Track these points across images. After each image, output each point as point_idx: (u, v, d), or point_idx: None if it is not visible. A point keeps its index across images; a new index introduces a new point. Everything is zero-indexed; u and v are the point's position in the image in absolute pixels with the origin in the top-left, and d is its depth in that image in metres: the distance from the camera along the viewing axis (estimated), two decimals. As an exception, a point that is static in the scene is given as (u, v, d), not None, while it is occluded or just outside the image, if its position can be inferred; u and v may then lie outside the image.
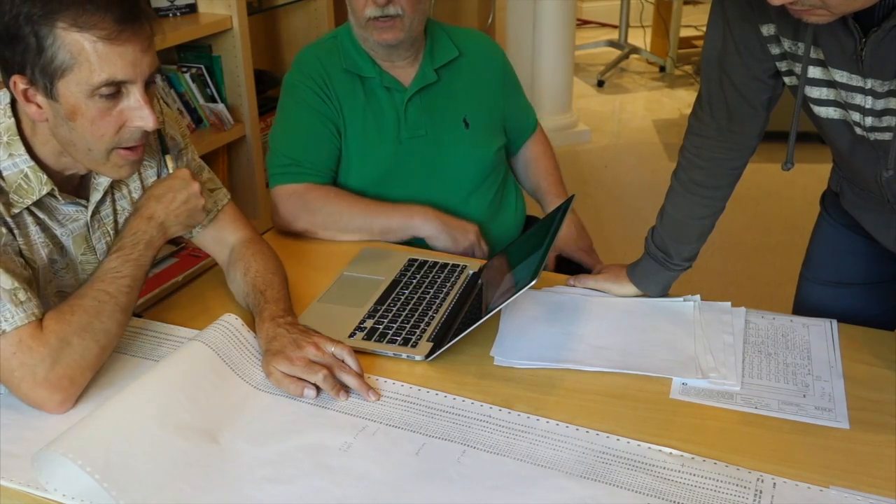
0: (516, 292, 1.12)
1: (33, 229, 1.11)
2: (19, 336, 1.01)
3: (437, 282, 1.37)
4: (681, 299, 1.32)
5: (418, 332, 1.22)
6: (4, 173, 1.07)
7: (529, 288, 1.10)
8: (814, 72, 1.04)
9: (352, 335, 1.21)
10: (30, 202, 1.09)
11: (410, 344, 1.19)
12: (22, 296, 1.02)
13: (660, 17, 5.38)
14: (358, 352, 1.17)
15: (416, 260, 1.44)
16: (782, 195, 3.48)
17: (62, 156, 1.11)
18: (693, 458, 0.97)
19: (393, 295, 1.32)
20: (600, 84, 5.12)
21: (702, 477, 0.94)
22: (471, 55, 1.67)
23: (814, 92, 1.07)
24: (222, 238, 1.35)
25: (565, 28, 3.95)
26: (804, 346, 1.19)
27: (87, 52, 1.00)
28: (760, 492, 0.92)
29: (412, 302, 1.30)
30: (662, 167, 3.86)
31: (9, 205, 1.07)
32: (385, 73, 1.58)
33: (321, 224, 1.54)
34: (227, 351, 1.12)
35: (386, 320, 1.25)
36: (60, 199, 1.13)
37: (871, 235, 1.25)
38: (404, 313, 1.27)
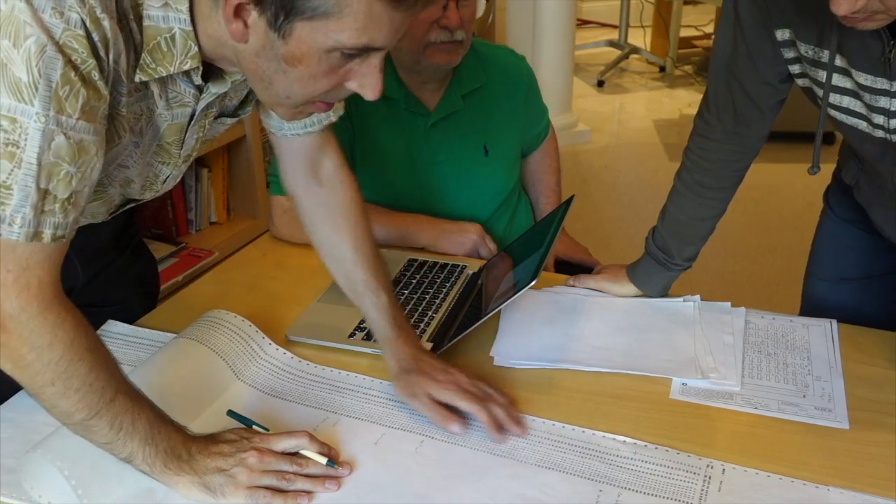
0: (516, 293, 1.12)
1: (140, 104, 0.89)
2: (24, 257, 0.77)
3: (437, 282, 1.37)
4: (681, 299, 1.32)
5: (418, 332, 1.22)
6: (145, 24, 0.81)
7: (529, 288, 1.10)
8: (836, 79, 1.04)
9: (352, 335, 1.21)
10: (163, 73, 0.85)
11: (410, 344, 1.19)
12: (60, 211, 0.78)
13: (660, 17, 5.39)
14: (358, 352, 1.17)
15: (415, 260, 1.44)
16: (782, 195, 3.48)
17: (223, 58, 0.88)
18: (689, 454, 0.97)
19: (393, 295, 1.32)
20: (600, 84, 5.13)
21: (658, 466, 0.94)
22: (497, 80, 1.62)
23: (835, 98, 1.06)
24: (320, 152, 1.11)
25: (565, 28, 3.95)
26: (804, 346, 1.19)
27: (357, 7, 0.77)
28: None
29: (412, 302, 1.30)
30: (662, 167, 3.86)
31: (137, 68, 0.83)
32: (411, 95, 1.54)
33: None
34: (226, 349, 1.12)
35: (386, 320, 1.25)
36: (196, 79, 0.90)
37: (875, 231, 1.25)
38: (403, 314, 1.27)
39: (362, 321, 1.25)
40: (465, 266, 1.43)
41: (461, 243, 1.52)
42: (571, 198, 1.35)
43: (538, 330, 1.24)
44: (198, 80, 0.90)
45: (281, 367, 1.14)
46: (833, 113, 1.08)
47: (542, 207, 1.80)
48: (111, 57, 0.79)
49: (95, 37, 0.76)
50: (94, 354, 0.83)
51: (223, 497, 0.88)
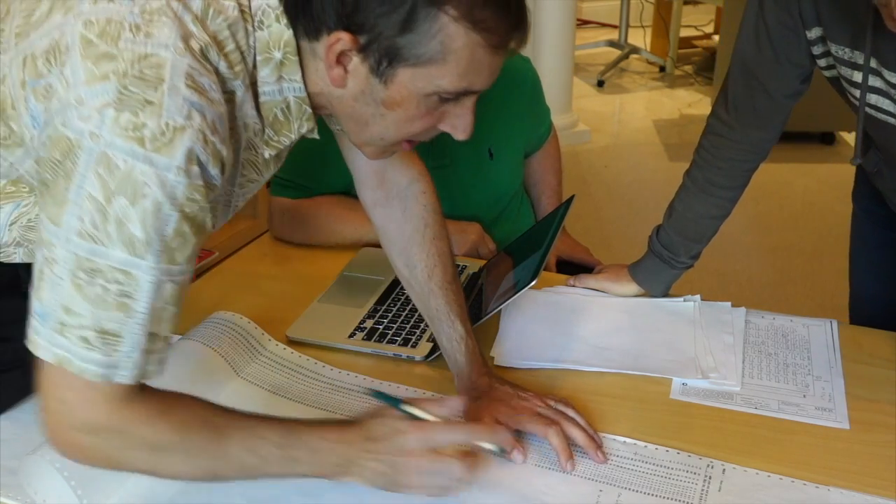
0: (516, 292, 1.12)
1: (235, 178, 0.90)
2: (105, 394, 0.75)
3: (437, 282, 1.36)
4: (681, 299, 1.32)
5: (418, 332, 1.22)
6: (262, 99, 0.82)
7: (529, 288, 1.10)
8: (869, 78, 1.04)
9: (352, 335, 1.22)
10: (286, 142, 0.87)
11: (410, 344, 1.19)
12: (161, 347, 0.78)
13: (660, 17, 5.39)
14: (358, 352, 1.17)
15: (416, 260, 1.44)
16: (782, 195, 3.48)
17: (319, 106, 0.87)
18: (689, 454, 0.97)
19: (393, 295, 1.32)
20: (600, 84, 5.13)
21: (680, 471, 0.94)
22: (502, 83, 1.57)
23: (871, 98, 1.07)
24: (386, 162, 1.07)
25: (565, 28, 3.95)
26: (804, 346, 1.19)
27: (461, 54, 0.78)
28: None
29: (412, 302, 1.30)
30: (662, 167, 3.86)
31: (264, 143, 0.86)
32: None
33: (316, 240, 1.51)
34: (224, 347, 1.12)
35: (386, 320, 1.25)
36: (313, 135, 0.90)
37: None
38: (404, 313, 1.27)
39: (362, 321, 1.25)
40: (466, 266, 1.43)
41: (461, 243, 1.52)
42: (572, 198, 1.35)
43: (538, 330, 1.24)
44: (314, 135, 0.90)
45: (280, 363, 1.14)
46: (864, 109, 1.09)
47: (544, 208, 1.79)
48: (226, 174, 0.79)
49: (213, 172, 0.75)
50: (183, 435, 0.79)
51: (397, 489, 0.86)
